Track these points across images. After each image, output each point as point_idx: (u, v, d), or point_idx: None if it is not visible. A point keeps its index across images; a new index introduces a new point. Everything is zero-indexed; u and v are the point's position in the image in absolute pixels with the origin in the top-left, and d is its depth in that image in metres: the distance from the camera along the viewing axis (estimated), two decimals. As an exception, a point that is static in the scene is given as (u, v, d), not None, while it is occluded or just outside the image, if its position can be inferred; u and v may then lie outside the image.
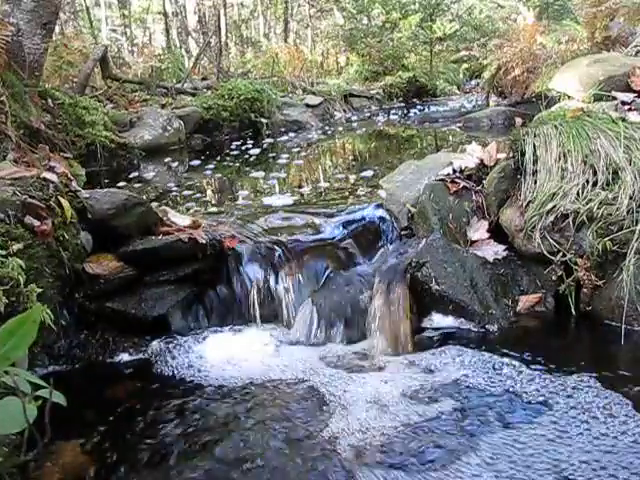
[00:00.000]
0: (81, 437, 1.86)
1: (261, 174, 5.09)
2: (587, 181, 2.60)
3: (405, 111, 10.49)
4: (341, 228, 2.99)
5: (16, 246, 2.07)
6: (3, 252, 1.96)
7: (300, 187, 4.64)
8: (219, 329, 2.60)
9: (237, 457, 1.76)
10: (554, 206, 2.59)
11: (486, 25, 15.86)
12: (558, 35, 7.89)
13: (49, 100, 5.30)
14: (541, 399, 1.96)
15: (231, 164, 5.86)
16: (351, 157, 6.43)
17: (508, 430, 1.81)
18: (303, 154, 6.51)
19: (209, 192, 4.65)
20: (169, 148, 6.74)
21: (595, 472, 1.60)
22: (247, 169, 5.56)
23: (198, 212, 3.72)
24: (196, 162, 6.10)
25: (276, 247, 2.78)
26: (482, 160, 3.11)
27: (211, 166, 5.72)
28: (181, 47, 16.38)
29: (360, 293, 2.56)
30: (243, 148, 6.79)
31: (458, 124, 7.65)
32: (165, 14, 16.51)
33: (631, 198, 2.47)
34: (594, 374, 2.10)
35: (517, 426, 1.83)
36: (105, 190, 2.78)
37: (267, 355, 2.38)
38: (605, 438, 1.74)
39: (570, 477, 1.59)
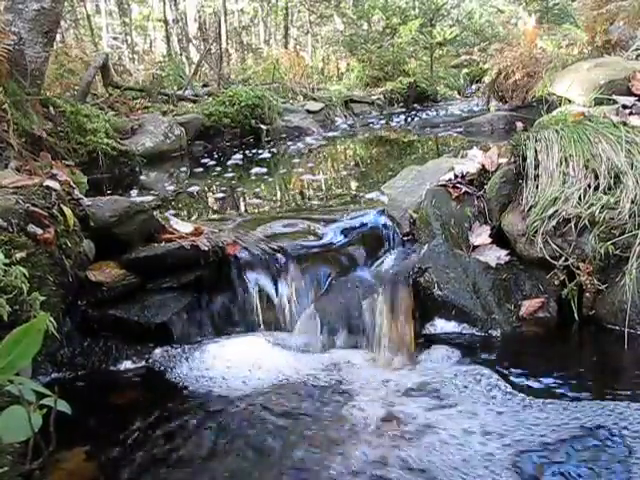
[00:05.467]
0: (85, 445, 1.86)
1: (263, 177, 5.11)
2: (589, 185, 2.60)
3: (406, 116, 10.50)
4: (343, 234, 2.99)
5: (19, 254, 2.07)
6: (6, 260, 1.96)
7: (302, 192, 4.65)
8: (222, 336, 2.59)
9: (241, 463, 1.76)
10: (556, 211, 2.59)
11: (486, 30, 15.90)
12: (558, 39, 7.90)
13: (51, 108, 5.32)
14: (544, 403, 1.96)
15: (232, 170, 5.87)
16: (352, 163, 6.44)
17: (511, 431, 1.82)
18: (304, 159, 6.52)
19: (210, 199, 4.66)
20: (171, 155, 6.74)
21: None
22: (248, 173, 5.57)
23: (200, 219, 3.73)
24: (198, 169, 6.11)
25: (278, 253, 2.78)
26: (483, 165, 3.11)
27: (213, 172, 5.74)
28: (182, 54, 16.41)
29: (363, 299, 2.56)
30: (244, 155, 6.81)
31: (459, 129, 7.66)
32: (166, 21, 16.54)
33: (633, 202, 2.47)
34: (597, 378, 2.10)
35: (519, 428, 1.83)
36: (107, 197, 2.78)
37: (271, 361, 2.37)
38: (609, 441, 1.74)
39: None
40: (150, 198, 4.40)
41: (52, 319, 2.00)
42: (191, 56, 15.88)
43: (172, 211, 3.99)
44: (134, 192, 4.74)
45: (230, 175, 5.60)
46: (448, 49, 15.92)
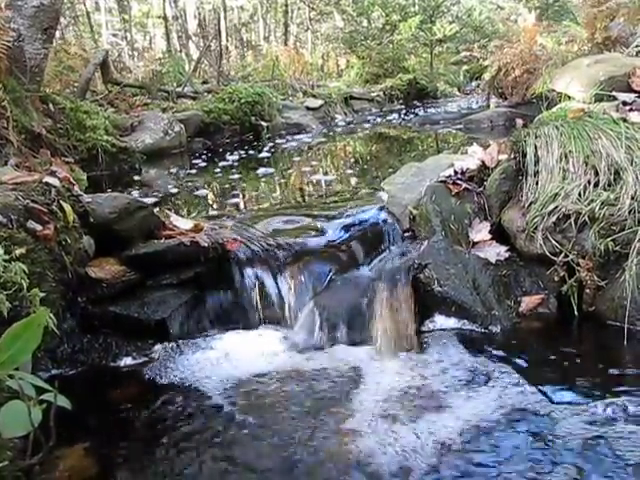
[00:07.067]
0: (85, 441, 1.86)
1: (263, 174, 5.12)
2: (589, 182, 2.60)
3: (406, 113, 10.50)
4: (343, 230, 2.98)
5: (19, 250, 2.07)
6: (6, 257, 1.96)
7: (301, 189, 4.65)
8: (222, 332, 2.59)
9: (242, 460, 1.77)
10: (556, 207, 2.59)
11: (486, 26, 15.88)
12: (558, 36, 7.90)
13: (50, 105, 5.31)
14: (543, 400, 1.96)
15: (231, 167, 5.87)
16: (352, 160, 6.43)
17: (510, 430, 1.82)
18: (304, 156, 6.53)
19: (210, 195, 4.65)
20: (170, 152, 6.74)
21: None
22: (248, 171, 5.57)
23: (200, 215, 3.72)
24: (198, 165, 6.11)
25: (278, 250, 2.78)
26: (483, 161, 3.11)
27: (213, 169, 5.74)
28: (181, 51, 16.39)
29: (363, 295, 2.56)
30: (244, 152, 6.82)
31: (459, 126, 7.66)
32: (165, 18, 16.51)
33: (633, 198, 2.47)
34: (597, 374, 2.10)
35: (518, 427, 1.83)
36: (107, 194, 2.78)
37: (271, 358, 2.37)
38: (608, 438, 1.74)
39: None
40: (152, 200, 4.38)
41: (52, 315, 2.00)
42: (191, 53, 15.86)
43: (172, 208, 3.99)
44: (136, 192, 4.71)
45: (230, 172, 5.59)
46: (448, 46, 15.90)
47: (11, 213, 2.17)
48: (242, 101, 8.03)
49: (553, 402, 1.94)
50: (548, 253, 2.60)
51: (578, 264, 2.55)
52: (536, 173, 2.75)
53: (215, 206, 4.30)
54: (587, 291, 2.56)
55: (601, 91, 4.11)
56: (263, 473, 1.71)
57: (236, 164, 6.04)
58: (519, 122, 3.56)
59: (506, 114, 7.24)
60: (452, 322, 2.55)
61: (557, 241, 2.59)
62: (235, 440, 1.86)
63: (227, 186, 4.95)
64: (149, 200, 3.61)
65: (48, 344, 2.31)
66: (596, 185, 2.59)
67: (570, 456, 1.67)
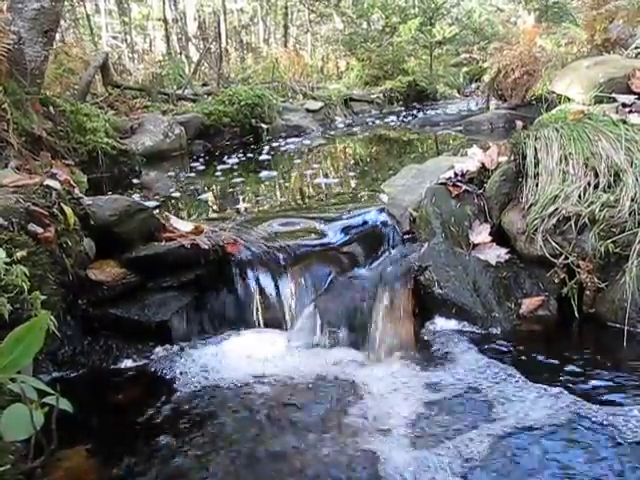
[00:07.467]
0: (86, 443, 1.86)
1: (266, 177, 5.13)
2: (589, 183, 2.60)
3: (405, 115, 10.50)
4: (343, 233, 2.98)
5: (20, 253, 2.07)
6: (7, 259, 1.96)
7: (301, 191, 4.66)
8: (222, 335, 2.60)
9: (242, 461, 1.77)
10: (556, 209, 2.59)
11: (486, 28, 15.92)
12: (558, 38, 7.91)
13: (50, 107, 5.32)
14: (542, 401, 1.96)
15: (231, 169, 5.87)
16: (352, 162, 6.44)
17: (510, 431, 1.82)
18: (304, 158, 6.54)
19: (210, 198, 4.66)
20: (170, 154, 6.75)
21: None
22: (248, 173, 5.58)
23: (200, 218, 3.72)
24: (198, 168, 6.12)
25: (278, 252, 2.78)
26: (483, 163, 3.11)
27: (213, 172, 5.75)
28: (181, 53, 16.41)
29: (363, 297, 2.56)
30: (244, 154, 6.82)
31: (459, 128, 7.67)
32: (165, 20, 16.53)
33: (633, 200, 2.47)
34: (597, 376, 2.10)
35: (517, 429, 1.83)
36: (107, 197, 2.79)
37: (272, 360, 2.37)
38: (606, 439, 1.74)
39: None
40: (154, 203, 4.36)
41: (53, 318, 2.00)
42: (190, 55, 15.89)
43: (172, 210, 4.00)
44: (136, 195, 4.70)
45: (230, 174, 5.60)
46: (448, 48, 15.92)
47: (12, 216, 2.17)
48: (242, 103, 8.04)
49: (547, 406, 1.94)
50: (548, 255, 2.60)
51: (578, 266, 2.55)
52: (536, 175, 2.75)
53: (215, 208, 4.30)
54: (587, 293, 2.56)
55: (601, 93, 4.12)
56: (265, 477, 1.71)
57: (236, 167, 6.05)
58: (519, 124, 3.57)
59: (506, 116, 7.25)
60: (452, 324, 2.55)
61: (557, 243, 2.59)
62: (236, 443, 1.86)
63: (227, 189, 4.95)
64: (150, 203, 3.61)
65: (49, 347, 2.31)
66: (596, 187, 2.59)
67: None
